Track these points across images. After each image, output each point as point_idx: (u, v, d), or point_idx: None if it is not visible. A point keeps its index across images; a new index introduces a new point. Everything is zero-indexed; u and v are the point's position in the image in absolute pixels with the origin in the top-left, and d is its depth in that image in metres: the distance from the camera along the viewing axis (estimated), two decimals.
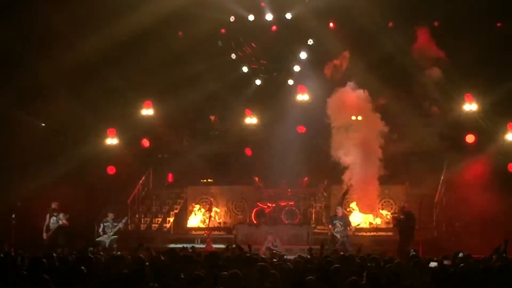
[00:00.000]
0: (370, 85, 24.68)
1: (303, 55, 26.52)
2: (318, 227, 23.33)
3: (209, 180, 26.76)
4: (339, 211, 20.04)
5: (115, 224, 19.91)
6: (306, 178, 25.39)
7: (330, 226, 19.84)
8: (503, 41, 23.45)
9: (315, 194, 24.75)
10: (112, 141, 25.63)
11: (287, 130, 26.08)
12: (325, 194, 24.55)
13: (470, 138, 24.22)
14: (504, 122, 23.86)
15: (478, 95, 24.44)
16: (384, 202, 23.87)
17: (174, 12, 23.11)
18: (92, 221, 21.46)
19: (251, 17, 25.49)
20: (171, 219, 24.96)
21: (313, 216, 23.99)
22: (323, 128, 24.66)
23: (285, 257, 14.20)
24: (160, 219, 25.05)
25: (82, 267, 9.66)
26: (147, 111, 26.49)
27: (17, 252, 13.92)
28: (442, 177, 23.70)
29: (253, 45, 26.88)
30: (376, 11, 23.68)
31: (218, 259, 11.14)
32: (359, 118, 24.37)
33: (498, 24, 24.19)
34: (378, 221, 23.56)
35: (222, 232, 23.85)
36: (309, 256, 13.17)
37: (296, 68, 26.82)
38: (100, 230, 19.89)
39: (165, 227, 24.80)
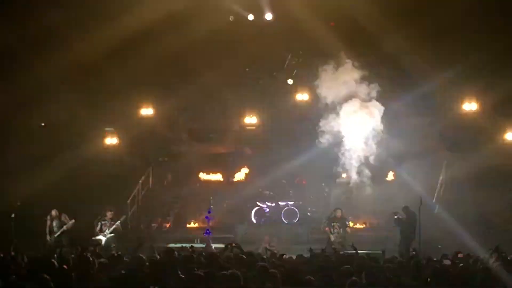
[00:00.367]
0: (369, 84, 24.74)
1: (302, 54, 26.54)
2: (318, 227, 23.32)
3: (208, 179, 26.77)
4: (338, 213, 20.06)
5: (112, 223, 19.91)
6: (305, 178, 25.42)
7: (326, 228, 19.91)
8: (502, 40, 23.48)
9: (315, 194, 24.77)
10: (111, 140, 25.63)
11: (286, 129, 26.09)
12: (324, 194, 24.58)
13: (469, 138, 24.23)
14: (504, 122, 23.90)
15: (478, 95, 24.45)
16: (384, 201, 23.89)
17: (174, 11, 23.10)
18: (92, 221, 21.44)
19: (250, 17, 25.48)
20: (171, 219, 24.97)
21: (313, 216, 24.04)
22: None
23: (284, 256, 14.19)
24: (159, 219, 25.05)
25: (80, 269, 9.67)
26: (147, 111, 26.49)
27: (17, 251, 13.92)
28: (441, 177, 23.73)
29: (253, 44, 26.84)
30: (375, 11, 23.69)
31: (218, 258, 11.13)
32: None
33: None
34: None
35: (221, 232, 23.84)
36: (308, 256, 13.16)
37: (296, 68, 26.82)
38: (98, 229, 19.89)
39: (165, 226, 24.81)
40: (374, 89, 22.44)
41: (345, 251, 16.44)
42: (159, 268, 9.81)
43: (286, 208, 23.54)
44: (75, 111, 23.83)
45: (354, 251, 14.90)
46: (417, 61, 24.35)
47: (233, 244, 12.96)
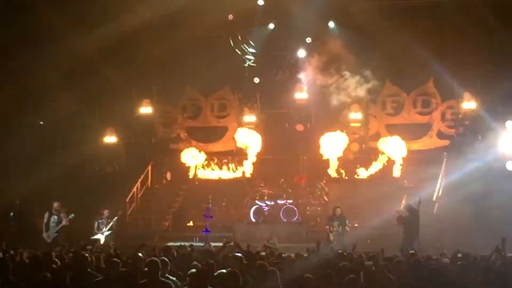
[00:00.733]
0: (369, 83, 24.81)
1: (301, 53, 26.58)
2: (317, 226, 23.35)
3: (207, 178, 26.77)
4: (338, 211, 20.07)
5: (109, 220, 19.94)
6: (304, 177, 25.41)
7: (326, 227, 19.95)
8: (501, 39, 23.50)
9: (314, 192, 24.78)
10: (110, 139, 25.62)
11: (285, 128, 26.09)
12: (323, 193, 24.57)
13: (468, 136, 24.23)
14: (503, 120, 23.89)
15: (477, 93, 24.46)
16: (383, 200, 23.90)
17: (173, 9, 23.08)
18: (91, 220, 21.44)
19: (249, 15, 25.52)
20: (170, 217, 24.96)
21: (312, 215, 24.05)
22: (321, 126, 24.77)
23: (283, 255, 14.18)
24: (158, 217, 25.03)
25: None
26: (146, 109, 26.50)
27: (15, 250, 13.89)
28: (441, 175, 23.73)
29: (252, 43, 26.86)
30: (374, 10, 23.72)
31: (216, 257, 11.12)
32: None
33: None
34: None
35: (220, 231, 23.84)
36: (306, 255, 13.16)
37: (295, 66, 26.87)
38: (95, 228, 19.91)
39: (164, 225, 24.79)
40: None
41: (344, 250, 16.42)
42: (158, 267, 9.78)
43: (285, 206, 23.53)
44: (74, 109, 23.80)
45: (353, 250, 14.89)
46: (416, 59, 24.42)
47: (232, 243, 12.94)
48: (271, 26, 26.41)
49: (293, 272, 9.98)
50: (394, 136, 25.65)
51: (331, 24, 25.92)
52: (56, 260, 11.24)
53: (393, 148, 25.37)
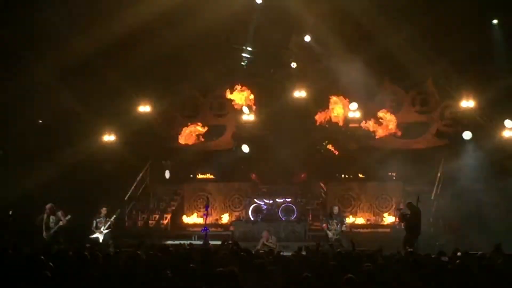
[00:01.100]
0: (369, 82, 24.82)
1: (300, 51, 26.55)
2: (315, 224, 23.38)
3: (206, 176, 26.76)
4: (336, 210, 20.07)
5: (107, 219, 19.92)
6: (303, 175, 25.41)
7: (324, 225, 19.94)
8: (499, 37, 23.51)
9: (312, 191, 24.79)
10: (109, 137, 25.61)
11: (284, 126, 26.08)
12: (322, 191, 24.60)
13: (467, 135, 24.23)
14: (501, 119, 23.93)
15: (475, 92, 24.47)
16: (382, 198, 23.94)
17: (171, 7, 23.06)
18: (89, 218, 21.43)
19: (247, 14, 25.50)
20: (168, 216, 24.98)
21: (310, 213, 24.07)
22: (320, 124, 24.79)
23: (281, 253, 14.21)
24: (157, 216, 25.06)
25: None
26: (144, 108, 26.49)
27: (14, 248, 13.89)
28: (439, 174, 23.77)
29: (250, 42, 26.83)
30: (373, 8, 23.70)
31: (214, 256, 11.14)
32: None
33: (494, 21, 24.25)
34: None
35: (219, 229, 23.87)
36: (305, 253, 13.17)
37: (293, 65, 26.84)
38: (93, 226, 19.91)
39: (162, 223, 24.81)
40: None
41: (343, 248, 16.45)
42: (156, 265, 9.81)
43: (283, 205, 23.54)
44: (72, 107, 23.78)
45: (352, 248, 14.93)
46: (413, 56, 24.42)
47: (230, 241, 12.95)
48: (269, 23, 26.36)
49: (292, 271, 10.00)
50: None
51: (330, 23, 25.89)
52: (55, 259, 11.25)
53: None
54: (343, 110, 25.53)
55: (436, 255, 13.28)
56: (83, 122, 24.54)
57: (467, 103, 24.64)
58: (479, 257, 12.52)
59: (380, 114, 25.27)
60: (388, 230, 22.50)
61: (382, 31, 24.33)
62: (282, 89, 26.74)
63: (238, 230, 22.85)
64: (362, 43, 24.67)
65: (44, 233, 19.39)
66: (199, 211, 24.82)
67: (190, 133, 26.45)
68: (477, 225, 20.41)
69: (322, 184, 24.95)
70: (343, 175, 25.86)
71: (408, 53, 24.41)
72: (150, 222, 24.85)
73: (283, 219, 23.31)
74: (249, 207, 23.75)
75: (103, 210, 20.07)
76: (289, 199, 23.76)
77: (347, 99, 25.53)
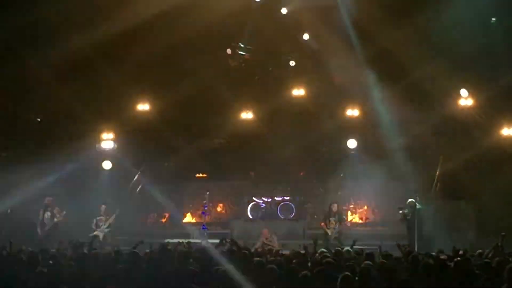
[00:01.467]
0: (366, 80, 24.82)
1: (299, 49, 26.55)
2: (314, 222, 23.38)
3: (204, 175, 26.78)
4: (334, 207, 20.06)
5: (107, 217, 19.96)
6: (301, 173, 25.43)
7: (322, 223, 19.94)
8: (498, 35, 23.50)
9: (311, 189, 24.80)
10: (108, 136, 25.58)
11: (282, 125, 26.09)
12: (320, 189, 24.61)
13: (465, 133, 24.25)
14: (500, 117, 23.94)
15: (474, 90, 24.47)
16: (380, 197, 23.95)
17: (169, 6, 23.03)
18: (88, 216, 21.44)
19: (246, 11, 25.46)
20: (167, 214, 24.98)
21: (309, 211, 24.08)
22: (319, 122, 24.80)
23: (280, 252, 14.21)
24: (155, 214, 25.05)
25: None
26: (143, 106, 26.46)
27: (12, 246, 13.90)
28: (437, 172, 23.79)
29: (249, 39, 26.80)
30: (372, 5, 23.68)
31: (213, 254, 11.13)
32: None
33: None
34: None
35: (217, 228, 23.86)
36: (303, 251, 13.16)
37: (292, 63, 26.83)
38: (93, 225, 19.93)
39: (161, 222, 24.81)
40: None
41: (342, 247, 16.43)
42: (155, 264, 9.82)
43: (282, 203, 23.53)
44: (70, 106, 23.74)
45: (351, 246, 14.90)
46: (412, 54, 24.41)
47: (228, 240, 12.95)
48: (268, 22, 26.33)
49: (290, 269, 9.99)
50: None
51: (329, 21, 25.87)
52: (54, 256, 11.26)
53: None
54: None
55: (435, 253, 13.30)
56: (82, 120, 24.49)
57: (466, 102, 24.64)
58: (477, 256, 12.53)
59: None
60: (387, 228, 22.49)
61: (381, 29, 24.34)
62: (281, 87, 26.74)
63: (237, 228, 22.84)
64: (360, 41, 24.65)
65: (39, 230, 19.39)
66: (198, 210, 24.80)
67: None
68: (475, 224, 20.44)
69: (321, 182, 24.94)
70: (341, 174, 25.88)
71: (406, 50, 24.42)
72: (149, 220, 24.84)
73: (282, 217, 23.29)
74: (248, 205, 23.74)
75: (103, 208, 20.11)
76: (288, 197, 23.76)
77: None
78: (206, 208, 22.06)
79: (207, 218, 23.37)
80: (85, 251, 11.43)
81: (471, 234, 19.12)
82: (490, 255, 12.62)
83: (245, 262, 10.16)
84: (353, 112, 25.83)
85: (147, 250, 12.65)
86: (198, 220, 24.33)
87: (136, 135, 26.16)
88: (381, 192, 23.52)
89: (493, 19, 24.04)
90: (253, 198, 23.88)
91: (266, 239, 19.19)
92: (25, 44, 22.16)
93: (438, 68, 24.13)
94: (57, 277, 9.05)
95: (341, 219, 19.78)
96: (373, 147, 25.88)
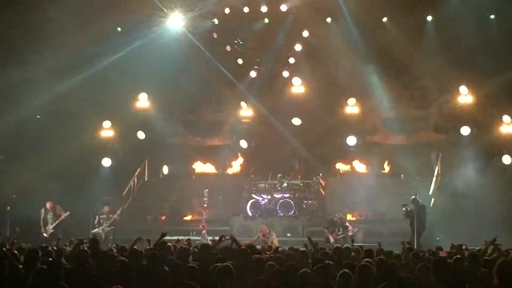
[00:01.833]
0: (367, 77, 24.86)
1: (298, 47, 26.57)
2: (313, 220, 23.41)
3: (204, 172, 26.80)
4: (337, 218, 20.21)
5: (110, 216, 20.02)
6: (301, 170, 25.44)
7: (325, 230, 20.10)
8: (498, 33, 23.53)
9: (310, 186, 24.79)
10: (107, 133, 25.59)
11: (282, 122, 26.11)
12: (320, 187, 24.61)
13: (465, 130, 24.24)
14: (499, 114, 23.97)
15: (473, 88, 24.48)
16: (380, 193, 23.95)
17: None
18: (87, 213, 21.45)
19: (246, 9, 25.48)
20: (166, 211, 24.98)
21: (308, 208, 24.09)
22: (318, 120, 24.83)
23: (279, 249, 14.22)
24: (155, 211, 25.05)
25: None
26: (142, 103, 26.46)
27: (12, 244, 13.92)
28: (436, 169, 23.81)
29: (248, 37, 26.82)
30: (372, 5, 23.72)
31: (212, 251, 11.13)
32: None
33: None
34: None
35: (217, 225, 23.85)
36: (303, 249, 13.18)
37: (291, 60, 26.88)
38: (96, 222, 19.99)
39: (160, 219, 24.81)
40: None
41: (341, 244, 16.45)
42: (155, 261, 9.81)
43: (281, 200, 23.52)
44: (70, 103, 23.72)
45: (351, 244, 14.92)
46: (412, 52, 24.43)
47: (227, 237, 12.95)
48: (266, 20, 26.34)
49: (289, 266, 10.00)
50: None
51: (329, 19, 25.87)
52: (54, 254, 11.27)
53: None
54: None
55: (435, 250, 13.31)
56: (81, 117, 24.47)
57: (466, 98, 24.65)
58: (476, 252, 12.53)
59: None
60: (388, 225, 22.48)
61: (382, 27, 24.38)
62: (281, 84, 26.79)
63: (236, 225, 22.82)
64: (361, 39, 24.68)
65: (43, 229, 19.44)
66: (197, 207, 24.78)
67: None
68: (474, 220, 20.45)
69: (320, 179, 24.92)
70: (341, 170, 25.90)
71: (407, 48, 24.45)
72: (148, 217, 24.84)
73: (281, 214, 23.27)
74: (247, 202, 23.72)
75: (106, 208, 20.25)
76: (287, 195, 23.74)
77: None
78: (205, 205, 22.08)
79: (206, 215, 23.33)
80: (85, 248, 11.43)
81: (471, 231, 19.08)
82: (488, 251, 12.63)
83: (244, 259, 10.16)
84: (352, 109, 25.88)
85: (147, 247, 12.66)
86: (197, 218, 24.31)
87: (136, 132, 26.17)
88: (380, 189, 23.52)
89: (492, 16, 24.09)
90: (253, 195, 23.85)
91: (263, 235, 19.18)
92: (25, 40, 22.14)
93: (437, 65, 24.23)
94: (57, 274, 9.04)
95: (346, 229, 19.93)
96: (373, 145, 25.97)
